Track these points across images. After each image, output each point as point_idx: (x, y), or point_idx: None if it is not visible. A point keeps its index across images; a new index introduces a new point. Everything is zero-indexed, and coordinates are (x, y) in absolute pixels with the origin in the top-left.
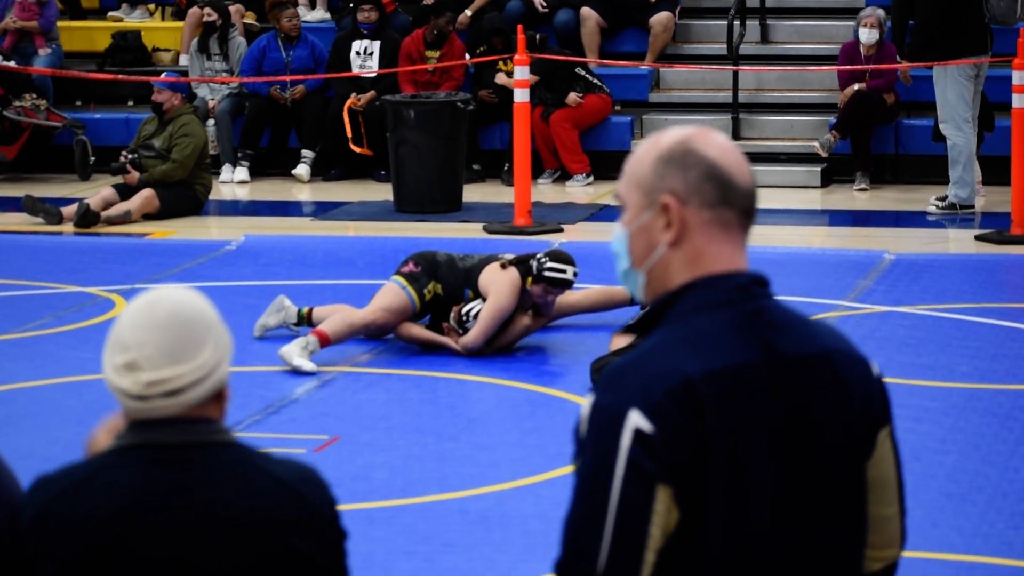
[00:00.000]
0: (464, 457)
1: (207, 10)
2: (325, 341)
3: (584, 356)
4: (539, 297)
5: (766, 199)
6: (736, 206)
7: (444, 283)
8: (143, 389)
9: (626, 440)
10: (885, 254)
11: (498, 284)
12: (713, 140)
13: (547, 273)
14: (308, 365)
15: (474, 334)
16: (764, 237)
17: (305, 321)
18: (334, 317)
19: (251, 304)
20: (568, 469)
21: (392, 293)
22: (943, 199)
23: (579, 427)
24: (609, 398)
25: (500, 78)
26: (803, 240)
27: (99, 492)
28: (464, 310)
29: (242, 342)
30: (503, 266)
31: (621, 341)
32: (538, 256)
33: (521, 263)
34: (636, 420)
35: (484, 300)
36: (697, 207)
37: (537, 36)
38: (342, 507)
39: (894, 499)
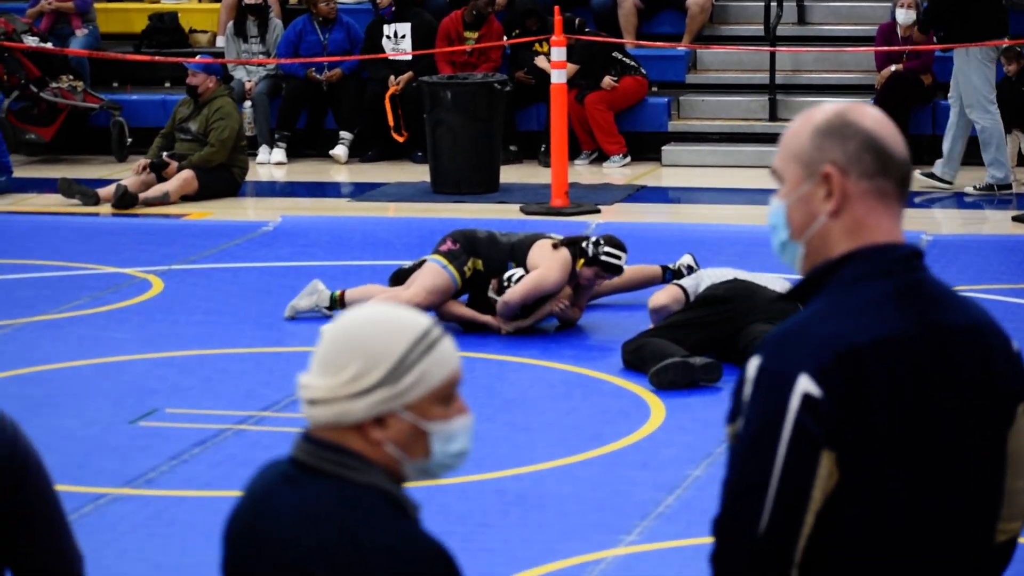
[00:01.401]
0: (501, 437)
1: None
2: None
3: (620, 336)
4: (587, 280)
5: None
6: (893, 176)
7: (485, 258)
8: (299, 389)
9: (794, 404)
10: (922, 235)
11: (550, 259)
12: (869, 112)
13: (604, 258)
14: (291, 312)
15: (511, 292)
16: None
17: (338, 304)
18: (380, 297)
19: (288, 284)
20: (603, 449)
21: (433, 273)
22: (981, 184)
23: (741, 389)
24: (777, 362)
25: (540, 61)
26: None
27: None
28: (506, 276)
29: (278, 323)
30: (555, 246)
31: (663, 297)
32: (592, 239)
33: (573, 244)
34: (805, 384)
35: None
36: (857, 177)
37: (576, 20)
38: None
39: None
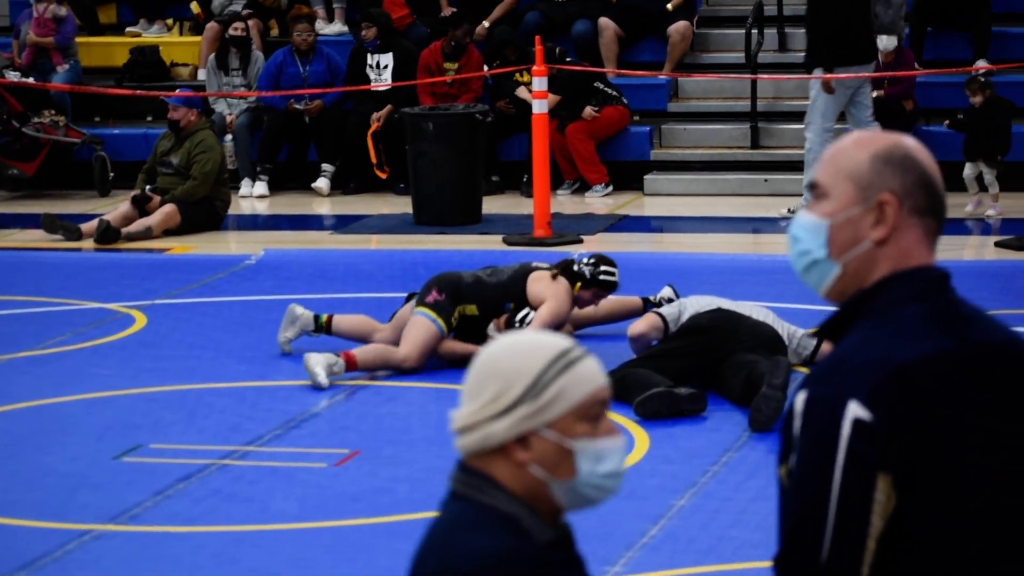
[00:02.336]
0: None
1: (236, 24)
2: (352, 366)
3: (603, 367)
4: (585, 302)
5: (786, 208)
6: (938, 216)
7: (478, 302)
8: (451, 423)
9: (846, 430)
10: None
11: (554, 290)
12: (922, 150)
13: (602, 277)
14: (323, 382)
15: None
16: (783, 246)
17: (324, 329)
18: (371, 349)
19: (271, 319)
20: None
21: (423, 330)
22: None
23: (790, 424)
24: (825, 390)
25: (521, 91)
26: None
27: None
28: (518, 317)
29: (262, 357)
30: (554, 276)
31: (642, 326)
32: (583, 262)
33: (566, 270)
34: (855, 410)
35: (534, 309)
36: (909, 211)
37: (557, 49)
38: (363, 521)
39: None
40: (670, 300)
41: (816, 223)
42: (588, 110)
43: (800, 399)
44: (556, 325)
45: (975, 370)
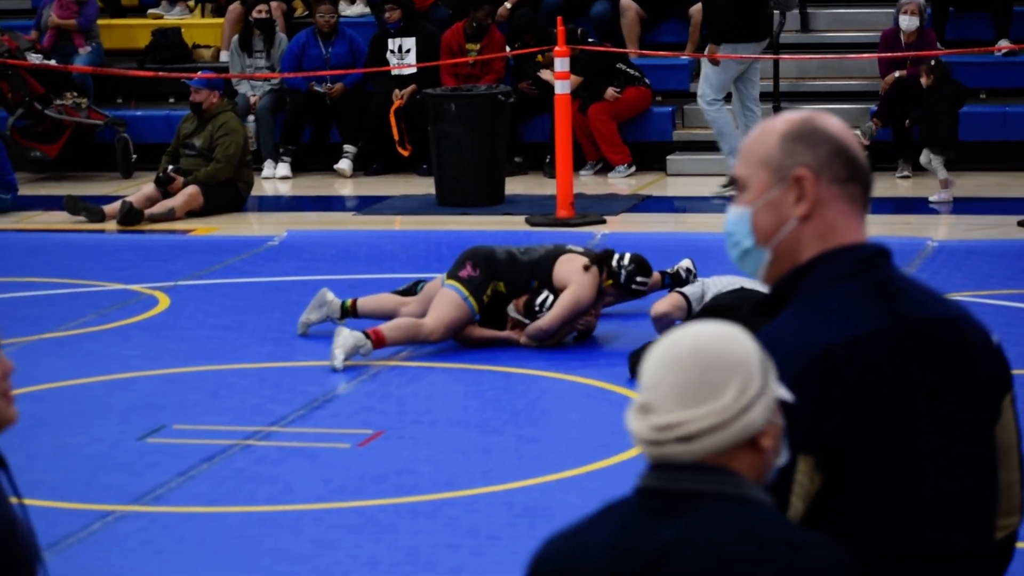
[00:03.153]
0: (509, 450)
1: (260, 7)
2: (380, 343)
3: (626, 346)
4: (607, 296)
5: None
6: (861, 181)
7: (507, 279)
8: (654, 434)
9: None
10: (928, 241)
11: (580, 277)
12: (832, 120)
13: (634, 287)
14: (339, 364)
15: (550, 318)
16: None
17: (349, 313)
18: (398, 325)
19: (294, 299)
20: (611, 460)
21: (452, 305)
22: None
23: None
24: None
25: (544, 73)
26: None
27: (591, 538)
28: (538, 301)
29: (285, 338)
30: (586, 267)
31: (665, 305)
32: (623, 262)
33: (604, 263)
34: (779, 393)
35: (556, 293)
36: (828, 182)
37: (579, 30)
38: (386, 501)
39: (1015, 465)
40: (688, 271)
41: (740, 213)
42: (610, 91)
43: None
44: (577, 313)
45: (907, 349)
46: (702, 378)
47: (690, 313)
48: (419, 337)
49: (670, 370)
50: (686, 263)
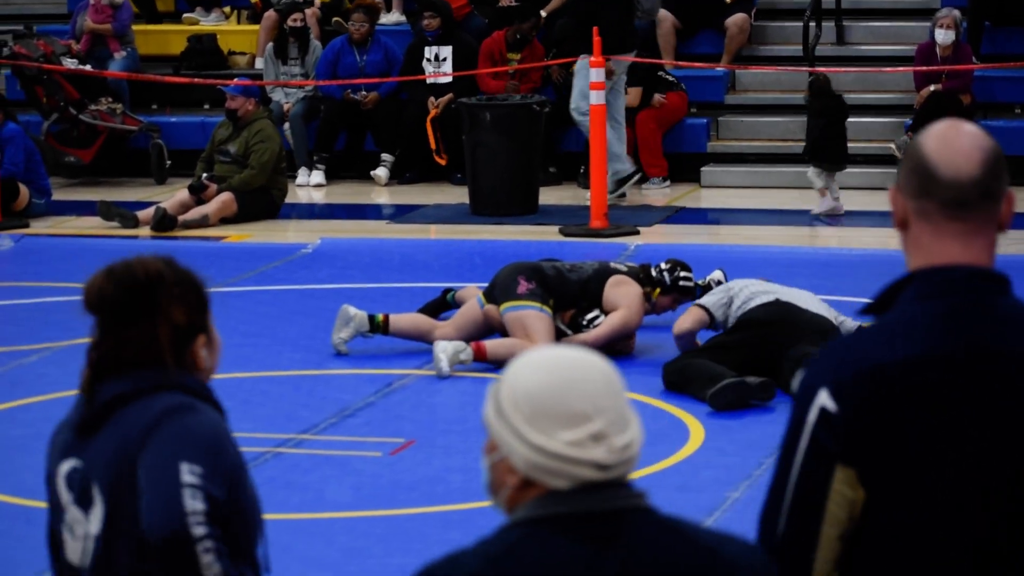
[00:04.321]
0: None
1: (295, 15)
2: (481, 357)
3: (661, 357)
4: (664, 308)
5: (843, 201)
6: (936, 198)
7: (557, 295)
8: (617, 456)
9: (812, 416)
10: None
11: (631, 299)
12: (938, 132)
13: (681, 283)
14: (446, 369)
15: (596, 335)
16: (843, 239)
17: (380, 329)
18: (503, 344)
19: (327, 307)
20: (642, 472)
21: (539, 320)
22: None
23: None
24: (809, 376)
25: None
26: (880, 242)
27: (523, 569)
28: (588, 316)
29: (318, 345)
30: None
31: (687, 323)
32: (660, 268)
33: (645, 277)
34: (823, 399)
35: (605, 312)
36: (905, 197)
37: None
38: (417, 510)
39: None
40: (719, 283)
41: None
42: (657, 97)
43: (797, 378)
44: (622, 336)
45: (962, 376)
46: (624, 400)
47: (713, 323)
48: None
49: (604, 396)
50: (717, 275)
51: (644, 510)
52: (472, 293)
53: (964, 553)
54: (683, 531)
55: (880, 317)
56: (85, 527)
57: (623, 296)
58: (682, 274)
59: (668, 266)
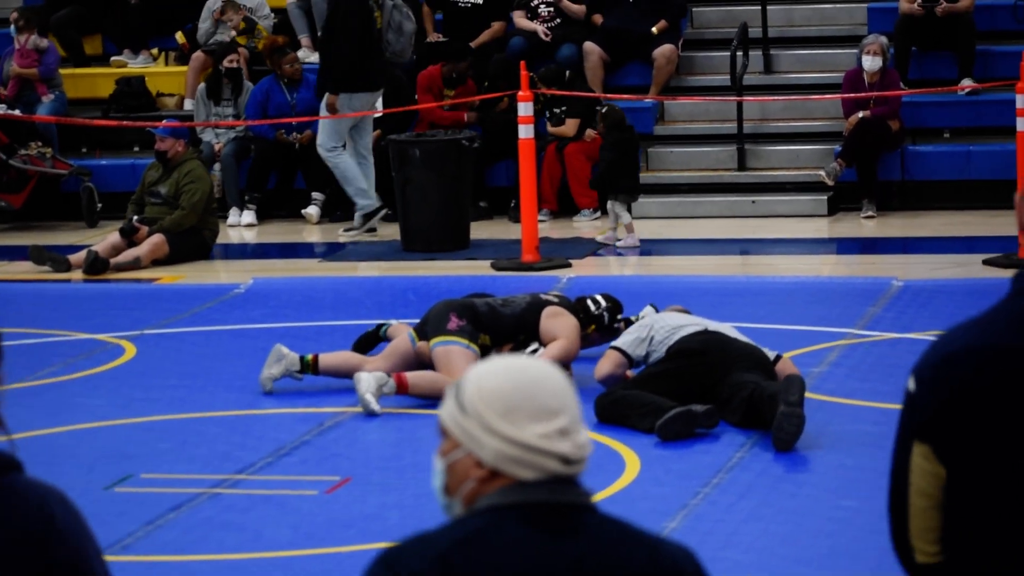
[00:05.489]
0: None
1: (231, 56)
2: (403, 390)
3: (592, 390)
4: (595, 343)
5: (773, 229)
6: None
7: (492, 332)
8: (580, 452)
9: (904, 398)
10: (893, 281)
11: (568, 330)
12: None
13: (616, 325)
14: (375, 406)
15: None
16: (771, 267)
17: (310, 369)
18: (424, 376)
19: (261, 347)
20: None
21: (465, 358)
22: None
23: None
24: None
25: (556, 130)
26: (811, 269)
27: (487, 554)
28: (528, 351)
29: (252, 385)
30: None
31: (606, 367)
32: (601, 306)
33: (583, 311)
34: (910, 381)
35: (543, 344)
36: None
37: (567, 72)
38: (355, 547)
39: None
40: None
41: None
42: (588, 131)
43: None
44: (564, 364)
45: None
46: (577, 403)
47: (631, 364)
48: (443, 394)
49: (567, 396)
50: (648, 311)
51: (594, 507)
52: (403, 330)
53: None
54: (629, 529)
55: (987, 310)
56: None
57: (561, 328)
58: (618, 317)
59: (609, 305)
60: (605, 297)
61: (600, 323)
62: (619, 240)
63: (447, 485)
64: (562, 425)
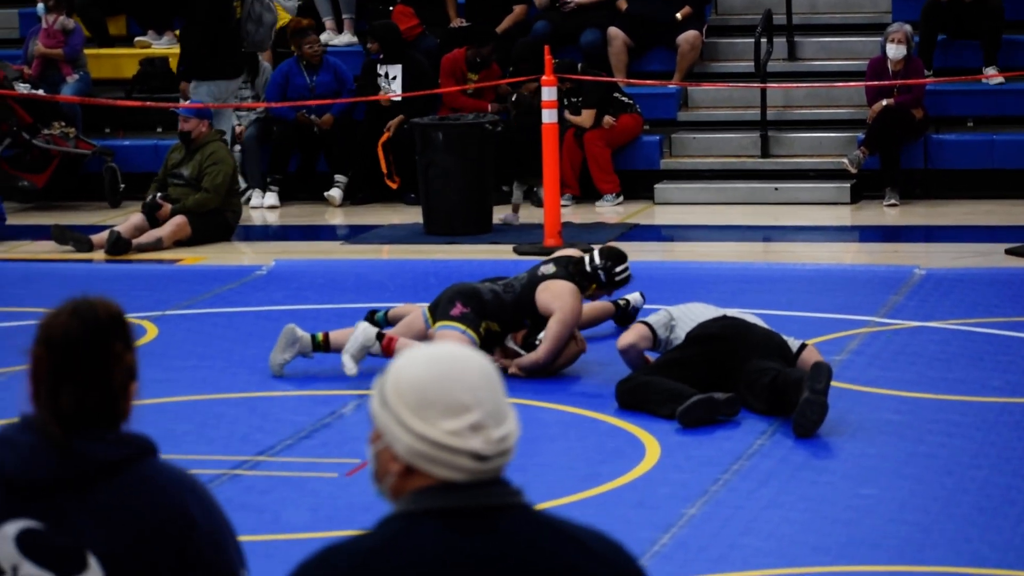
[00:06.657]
0: None
1: None
2: (389, 353)
3: (613, 375)
4: (598, 299)
5: (796, 216)
6: None
7: (500, 320)
8: (494, 447)
9: None
10: (915, 269)
11: (562, 299)
12: None
13: (618, 278)
14: (352, 368)
15: (544, 351)
16: (794, 254)
17: (321, 347)
18: (412, 344)
19: (282, 329)
20: (598, 489)
21: (457, 340)
22: None
23: None
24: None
25: (573, 118)
26: (833, 256)
27: (402, 561)
28: (540, 337)
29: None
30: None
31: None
32: (594, 262)
33: (580, 273)
34: None
35: (545, 318)
36: None
37: (578, 65)
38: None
39: None
40: (636, 306)
41: None
42: (607, 119)
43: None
44: (568, 336)
45: None
46: (501, 395)
47: (655, 343)
48: None
49: (484, 389)
50: (636, 296)
51: (520, 507)
52: (409, 309)
53: None
54: (556, 526)
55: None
56: None
57: (554, 298)
58: (617, 269)
59: (604, 263)
60: (603, 252)
61: (598, 280)
62: (502, 215)
63: (375, 474)
64: (474, 420)
